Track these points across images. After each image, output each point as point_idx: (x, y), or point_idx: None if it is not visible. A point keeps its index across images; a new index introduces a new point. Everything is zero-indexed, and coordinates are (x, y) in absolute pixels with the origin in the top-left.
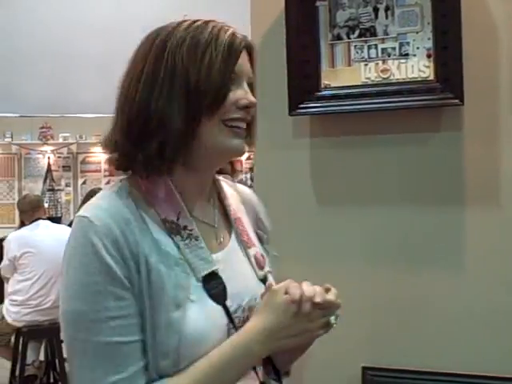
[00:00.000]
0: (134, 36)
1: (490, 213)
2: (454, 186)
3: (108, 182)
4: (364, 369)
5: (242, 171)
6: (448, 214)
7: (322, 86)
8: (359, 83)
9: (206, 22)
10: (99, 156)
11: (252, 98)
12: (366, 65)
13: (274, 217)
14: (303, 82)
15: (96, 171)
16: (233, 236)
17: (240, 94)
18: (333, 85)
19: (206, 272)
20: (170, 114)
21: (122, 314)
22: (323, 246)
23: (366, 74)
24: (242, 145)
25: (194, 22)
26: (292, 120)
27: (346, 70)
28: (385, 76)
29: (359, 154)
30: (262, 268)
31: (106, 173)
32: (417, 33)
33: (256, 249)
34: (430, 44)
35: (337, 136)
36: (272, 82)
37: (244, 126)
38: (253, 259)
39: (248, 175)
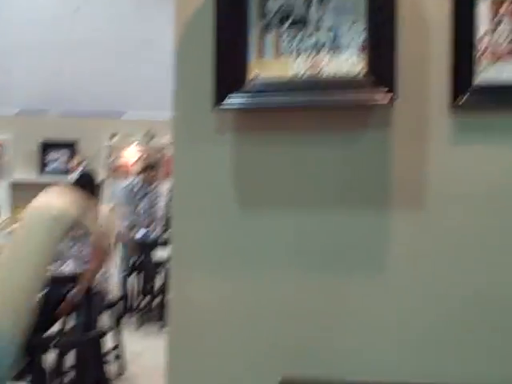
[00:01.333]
0: None
1: (415, 216)
2: (380, 188)
3: None
4: (283, 382)
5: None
6: (373, 216)
7: (250, 77)
8: (288, 76)
9: None
10: None
11: None
12: (296, 57)
13: (193, 218)
14: (229, 73)
15: None
16: None
17: None
18: (260, 77)
19: None
20: None
21: None
22: (245, 251)
23: (296, 66)
24: None
25: None
26: (215, 114)
27: (276, 62)
28: (316, 69)
29: (285, 151)
30: None
31: None
32: (351, 25)
33: None
34: (363, 38)
35: (262, 132)
36: (194, 72)
37: None
38: None
39: (137, 179)
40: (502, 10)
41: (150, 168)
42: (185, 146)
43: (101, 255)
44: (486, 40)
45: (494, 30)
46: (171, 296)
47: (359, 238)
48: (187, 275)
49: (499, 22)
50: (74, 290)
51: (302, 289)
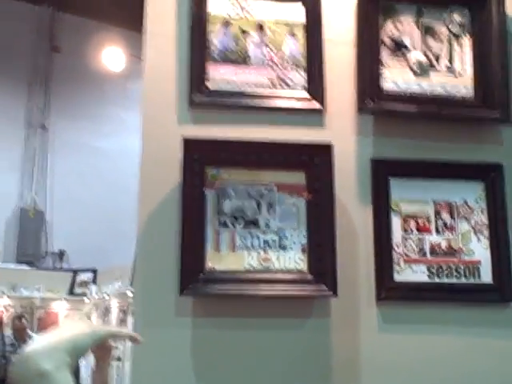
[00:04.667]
0: None
1: None
2: (321, 369)
3: None
4: None
5: None
6: None
7: (207, 268)
8: (242, 269)
9: None
10: None
11: None
12: (249, 253)
13: None
14: (190, 264)
15: None
16: None
17: None
18: (217, 268)
19: None
20: None
21: None
22: None
23: (249, 260)
24: None
25: None
26: (175, 299)
27: (231, 255)
28: (266, 264)
29: (238, 335)
30: None
31: None
32: (294, 229)
33: None
34: (305, 240)
35: (219, 317)
36: (157, 260)
37: None
38: None
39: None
40: (409, 225)
41: (19, 320)
42: (146, 327)
43: None
44: (401, 247)
45: (406, 239)
46: None
47: None
48: None
49: (409, 234)
50: None
51: None
